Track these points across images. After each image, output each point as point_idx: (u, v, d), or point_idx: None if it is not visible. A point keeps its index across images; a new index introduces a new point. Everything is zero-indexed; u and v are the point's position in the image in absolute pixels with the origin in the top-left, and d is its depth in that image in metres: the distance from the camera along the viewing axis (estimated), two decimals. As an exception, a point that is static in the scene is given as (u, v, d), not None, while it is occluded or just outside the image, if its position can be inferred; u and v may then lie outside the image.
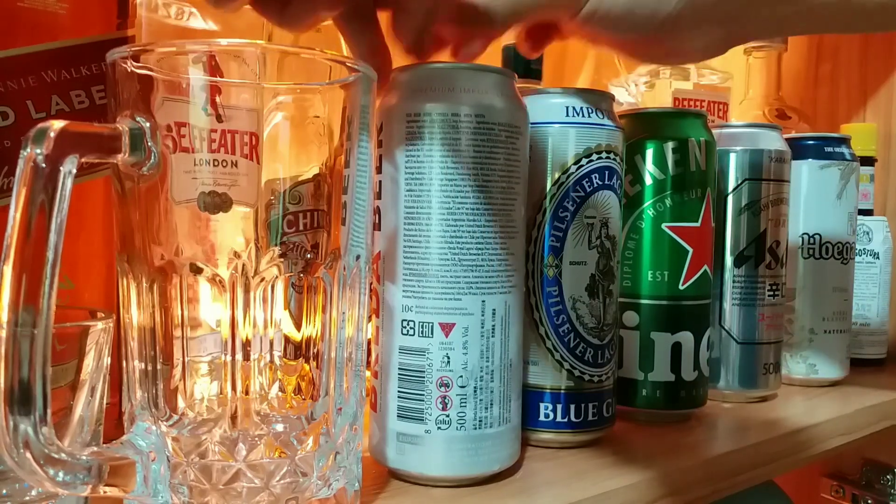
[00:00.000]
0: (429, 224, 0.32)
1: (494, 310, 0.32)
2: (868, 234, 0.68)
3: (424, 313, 0.32)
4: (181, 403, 0.27)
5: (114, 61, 0.25)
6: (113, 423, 0.32)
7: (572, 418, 0.38)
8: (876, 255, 0.68)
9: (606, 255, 0.39)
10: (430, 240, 0.32)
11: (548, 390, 0.38)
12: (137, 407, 0.26)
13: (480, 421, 0.32)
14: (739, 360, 0.51)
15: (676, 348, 0.44)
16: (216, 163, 0.24)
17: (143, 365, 0.26)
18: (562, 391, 0.38)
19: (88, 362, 0.27)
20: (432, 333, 0.32)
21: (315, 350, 0.27)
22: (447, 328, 0.32)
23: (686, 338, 0.44)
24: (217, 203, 0.24)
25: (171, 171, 0.25)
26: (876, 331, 0.67)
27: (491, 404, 0.33)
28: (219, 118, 0.24)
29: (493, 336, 0.33)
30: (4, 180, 0.31)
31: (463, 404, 0.32)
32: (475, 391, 0.32)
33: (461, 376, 0.32)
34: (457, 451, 0.32)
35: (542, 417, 0.38)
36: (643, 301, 0.44)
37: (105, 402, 0.28)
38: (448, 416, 0.32)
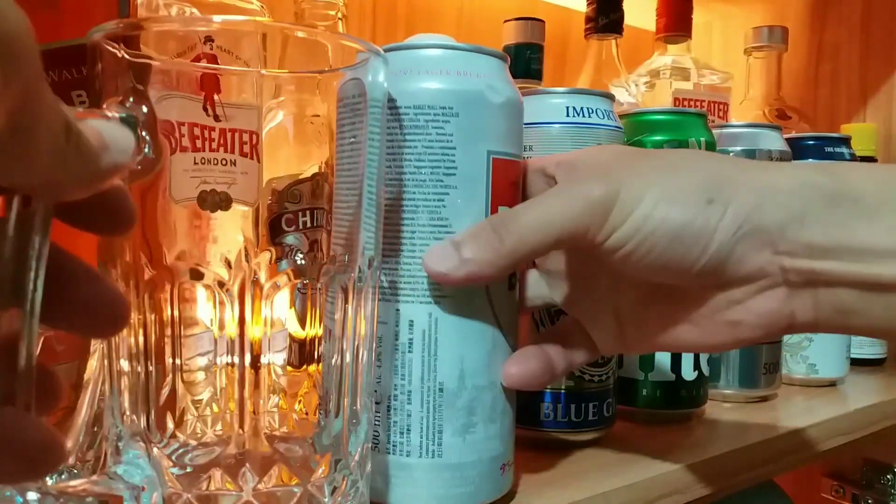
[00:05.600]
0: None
1: (412, 321, 0.29)
2: (868, 233, 0.68)
3: None
4: (175, 424, 0.24)
5: (96, 43, 0.22)
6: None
7: (573, 418, 0.38)
8: (876, 255, 0.68)
9: (607, 256, 0.39)
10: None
11: (548, 390, 0.38)
12: (127, 432, 0.23)
13: (395, 446, 0.29)
14: (740, 359, 0.51)
15: (677, 348, 0.44)
16: (215, 161, 0.24)
17: (134, 383, 0.24)
18: (562, 391, 0.38)
19: (92, 363, 0.27)
20: None
21: (325, 364, 0.25)
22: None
23: (686, 338, 0.44)
24: (216, 201, 0.24)
25: (169, 169, 0.23)
26: (876, 331, 0.67)
27: (407, 430, 0.29)
28: (216, 118, 0.24)
29: (409, 352, 0.29)
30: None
31: (376, 422, 0.29)
32: (388, 410, 0.29)
33: (375, 391, 0.29)
34: (376, 473, 0.29)
35: (542, 417, 0.38)
36: (643, 301, 0.44)
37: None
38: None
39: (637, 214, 0.27)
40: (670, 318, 0.30)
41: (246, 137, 0.25)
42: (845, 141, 0.58)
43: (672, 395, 0.44)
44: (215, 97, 0.28)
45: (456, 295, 0.29)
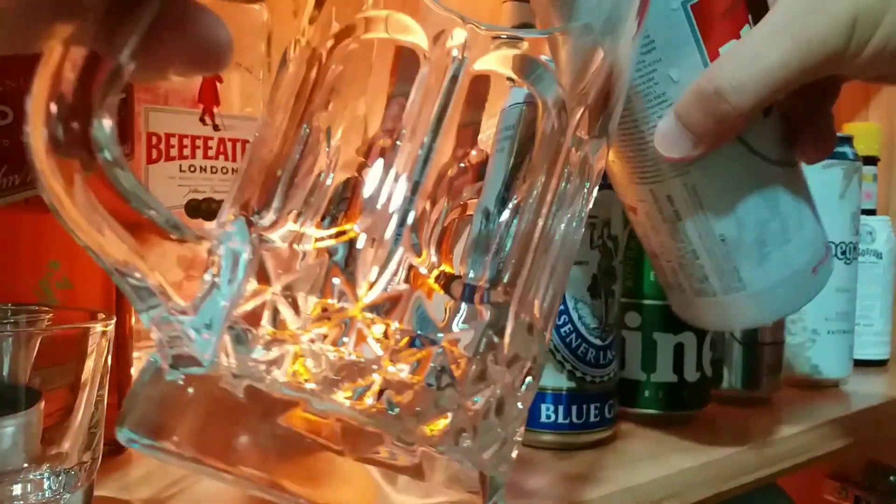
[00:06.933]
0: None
1: (670, 196, 0.30)
2: (871, 233, 0.68)
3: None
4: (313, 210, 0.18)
5: None
6: (113, 425, 0.32)
7: (574, 420, 0.38)
8: (879, 255, 0.68)
9: (608, 255, 0.38)
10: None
11: (549, 391, 0.38)
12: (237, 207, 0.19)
13: (699, 290, 0.31)
14: (742, 360, 0.51)
15: (679, 349, 0.44)
16: (214, 169, 0.24)
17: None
18: (563, 392, 0.38)
19: (89, 364, 0.26)
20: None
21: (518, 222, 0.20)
22: (633, 210, 0.32)
23: (688, 338, 0.44)
24: (214, 210, 0.23)
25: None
26: (879, 331, 0.67)
27: (705, 278, 0.31)
28: (216, 128, 0.24)
29: (678, 220, 0.30)
30: (4, 179, 0.31)
31: (675, 272, 0.32)
32: (680, 267, 0.31)
33: (662, 252, 0.32)
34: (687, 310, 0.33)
35: (543, 419, 0.38)
36: (645, 301, 0.44)
37: (105, 403, 0.28)
38: (669, 281, 0.33)
39: (876, 41, 0.25)
40: None
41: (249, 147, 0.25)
42: (848, 140, 0.58)
43: (674, 396, 0.44)
44: (214, 109, 0.27)
45: (703, 159, 0.28)
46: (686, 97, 0.27)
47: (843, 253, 0.58)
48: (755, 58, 0.26)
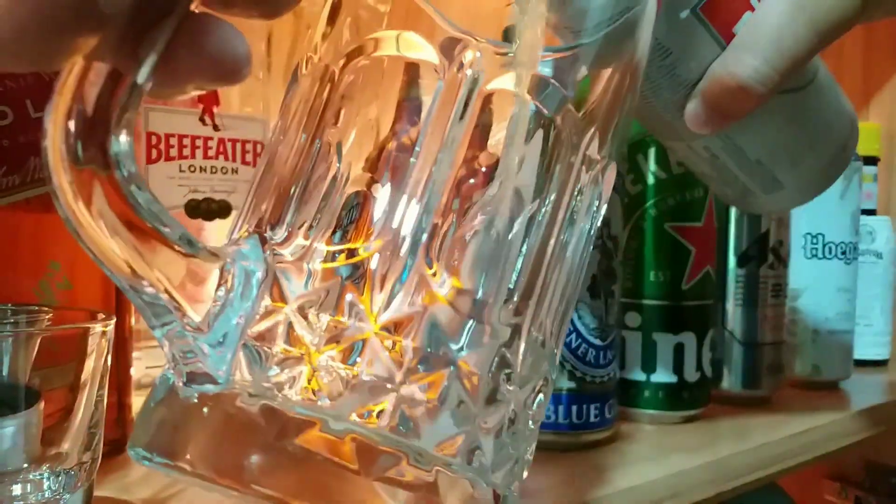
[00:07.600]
0: None
1: (706, 146, 0.33)
2: (871, 233, 0.68)
3: None
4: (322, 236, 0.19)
5: None
6: (112, 425, 0.32)
7: (574, 420, 0.38)
8: (879, 255, 0.68)
9: (608, 255, 0.38)
10: None
11: (549, 391, 0.38)
12: (253, 219, 0.19)
13: (741, 195, 0.35)
14: (742, 360, 0.51)
15: (679, 349, 0.44)
16: (213, 170, 0.24)
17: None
18: (563, 392, 0.38)
19: (89, 364, 0.26)
20: None
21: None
22: (671, 149, 0.37)
23: (688, 339, 0.44)
24: (213, 210, 0.23)
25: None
26: (880, 331, 0.67)
27: (747, 189, 0.34)
28: (215, 128, 0.24)
29: (717, 160, 0.33)
30: (4, 179, 0.31)
31: (717, 187, 0.36)
32: (723, 183, 0.35)
33: (702, 176, 0.36)
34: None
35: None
36: (645, 301, 0.44)
37: (105, 403, 0.28)
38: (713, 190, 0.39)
39: (890, 4, 0.26)
40: None
41: (249, 147, 0.25)
42: (848, 140, 0.58)
43: (674, 396, 0.44)
44: (214, 109, 0.27)
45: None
46: (711, 84, 0.28)
47: (844, 253, 0.58)
48: (772, 43, 0.26)
